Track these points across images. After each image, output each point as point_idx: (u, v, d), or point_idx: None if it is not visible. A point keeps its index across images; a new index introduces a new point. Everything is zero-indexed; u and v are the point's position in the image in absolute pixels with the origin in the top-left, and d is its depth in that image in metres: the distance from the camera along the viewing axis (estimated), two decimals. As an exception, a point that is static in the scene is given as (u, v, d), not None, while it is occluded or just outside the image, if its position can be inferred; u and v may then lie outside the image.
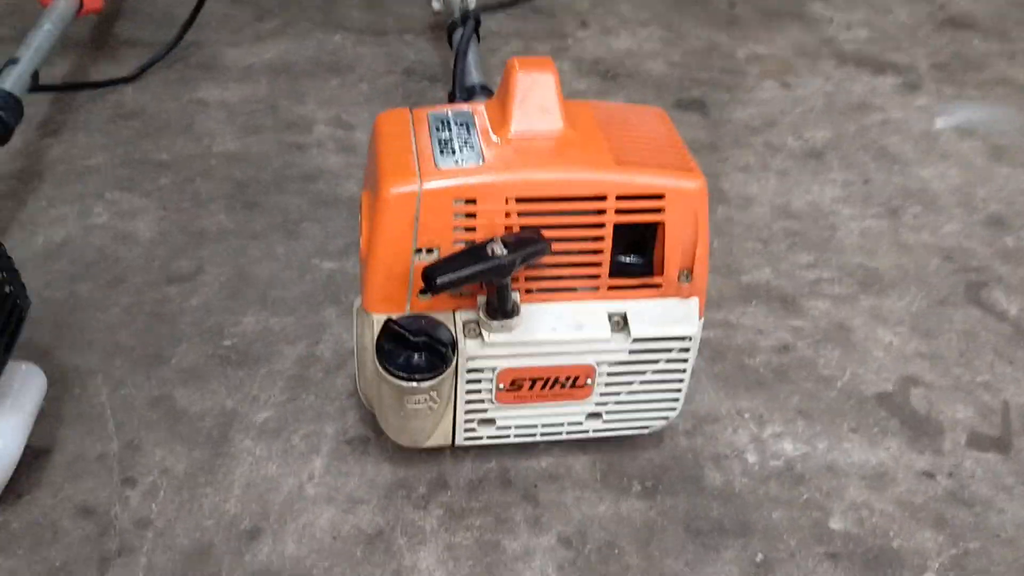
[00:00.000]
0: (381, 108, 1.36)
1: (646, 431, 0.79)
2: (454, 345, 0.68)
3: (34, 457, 0.79)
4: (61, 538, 0.73)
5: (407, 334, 0.67)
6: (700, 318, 0.75)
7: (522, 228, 0.69)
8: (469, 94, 1.08)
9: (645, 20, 1.66)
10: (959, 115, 1.40)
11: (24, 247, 1.02)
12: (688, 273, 0.73)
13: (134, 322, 0.93)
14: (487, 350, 0.70)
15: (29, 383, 0.74)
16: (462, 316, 0.71)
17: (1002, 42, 1.59)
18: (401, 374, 0.67)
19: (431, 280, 0.64)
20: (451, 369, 0.68)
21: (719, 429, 0.86)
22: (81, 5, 1.26)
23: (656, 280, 0.73)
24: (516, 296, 0.71)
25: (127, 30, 1.52)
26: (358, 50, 1.50)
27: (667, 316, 0.72)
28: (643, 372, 0.74)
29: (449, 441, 0.75)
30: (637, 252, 0.73)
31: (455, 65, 1.14)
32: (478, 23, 1.26)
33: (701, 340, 0.94)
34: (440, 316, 0.70)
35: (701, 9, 1.72)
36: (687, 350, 0.73)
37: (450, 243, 0.69)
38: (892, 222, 1.15)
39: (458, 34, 1.23)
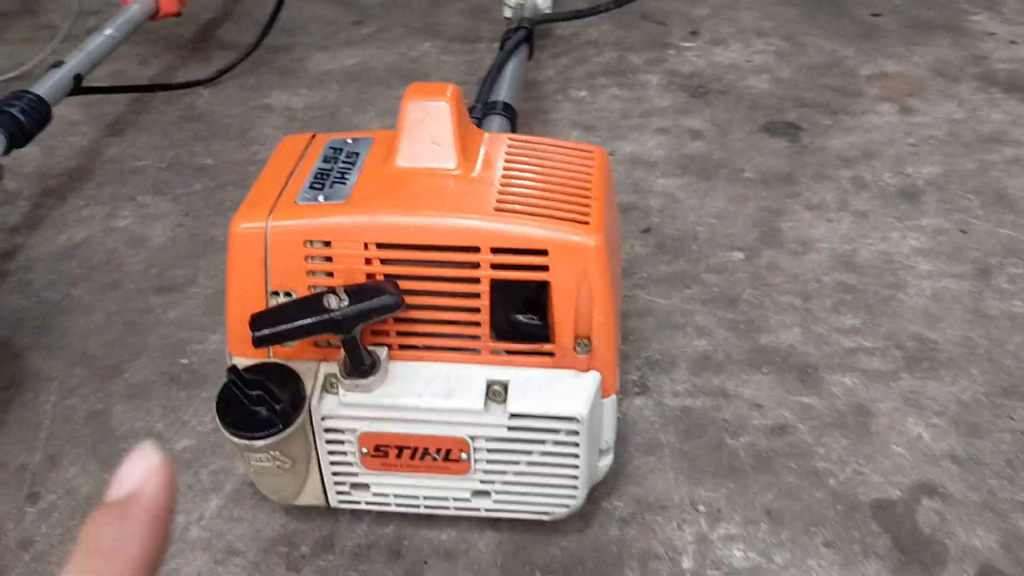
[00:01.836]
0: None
1: (546, 518, 0.68)
2: (297, 403, 0.61)
3: (-39, 460, 0.80)
4: (-50, 548, 0.73)
5: (246, 386, 0.61)
6: (607, 395, 0.64)
7: (386, 277, 0.61)
8: (488, 110, 1.00)
9: (765, 30, 1.50)
10: (1119, 155, 1.15)
11: (45, 245, 1.05)
12: (586, 343, 0.62)
13: (109, 331, 0.94)
14: (343, 410, 0.63)
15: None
16: (326, 368, 0.64)
17: None
18: (232, 430, 0.61)
19: (253, 332, 0.58)
20: (290, 431, 0.61)
21: (662, 521, 0.73)
22: (157, 9, 1.29)
23: (548, 348, 0.63)
24: (383, 351, 0.63)
25: (230, 33, 1.56)
26: (441, 58, 1.45)
27: (554, 391, 0.62)
28: (528, 453, 0.63)
29: (322, 501, 0.69)
30: (536, 311, 0.63)
31: (486, 76, 1.07)
32: (530, 34, 1.17)
33: (679, 409, 0.82)
34: (303, 366, 0.64)
35: (836, 19, 1.53)
36: (576, 433, 0.62)
37: (305, 287, 0.62)
38: (978, 284, 0.95)
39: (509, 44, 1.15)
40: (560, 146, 0.68)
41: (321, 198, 0.62)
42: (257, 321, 0.58)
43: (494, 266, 0.60)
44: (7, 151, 0.99)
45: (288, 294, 0.62)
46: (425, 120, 0.63)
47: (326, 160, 0.66)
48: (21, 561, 0.72)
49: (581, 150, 0.68)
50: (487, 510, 0.68)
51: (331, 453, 0.65)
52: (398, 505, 0.68)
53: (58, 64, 1.11)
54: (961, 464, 0.76)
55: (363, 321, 0.59)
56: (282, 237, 0.61)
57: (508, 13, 1.32)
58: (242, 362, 0.64)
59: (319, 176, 0.64)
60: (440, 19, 1.58)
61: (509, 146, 0.67)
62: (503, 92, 1.04)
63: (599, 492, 0.74)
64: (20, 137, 1.00)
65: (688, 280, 0.97)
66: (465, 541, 0.72)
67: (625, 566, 0.70)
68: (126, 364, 0.90)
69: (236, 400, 0.62)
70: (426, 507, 0.68)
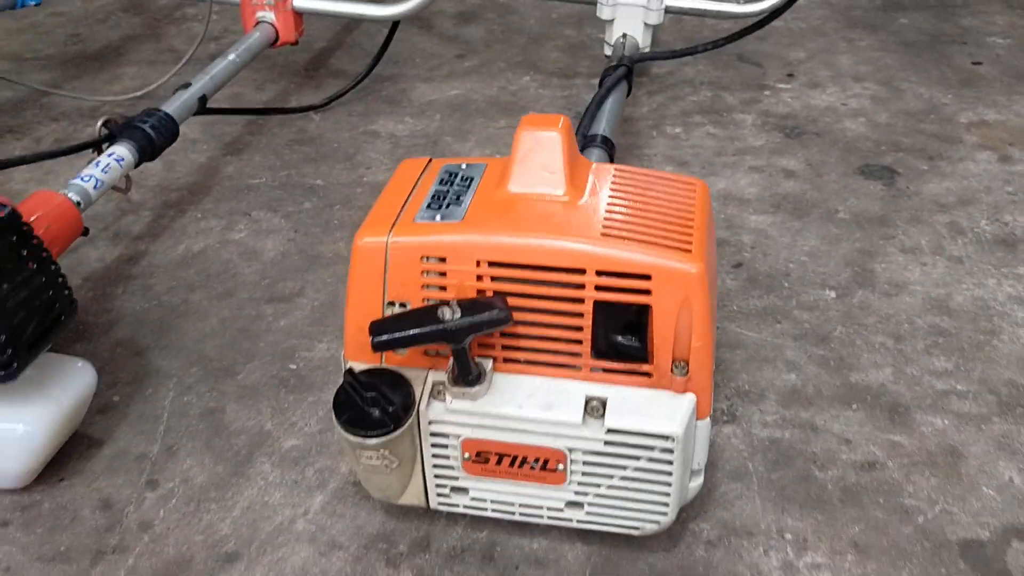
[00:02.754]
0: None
1: (636, 532, 0.71)
2: (407, 406, 0.66)
3: (88, 446, 0.86)
4: (75, 526, 0.79)
5: (362, 388, 0.65)
6: (702, 417, 0.66)
7: (495, 293, 0.65)
8: (588, 143, 1.04)
9: (862, 75, 1.51)
10: None
11: (165, 253, 1.13)
12: (683, 365, 0.65)
13: (224, 335, 1.00)
14: (449, 416, 0.67)
15: (74, 379, 0.81)
16: (434, 376, 0.68)
17: None
18: (347, 427, 0.65)
19: (372, 337, 0.62)
20: (400, 431, 0.65)
21: (749, 546, 0.75)
22: (276, 37, 1.37)
23: (646, 368, 0.65)
24: (489, 363, 0.67)
25: (341, 62, 1.64)
26: (540, 92, 1.50)
27: (651, 409, 0.65)
28: (623, 468, 0.66)
29: (423, 502, 0.72)
30: (635, 332, 0.66)
31: (587, 110, 1.11)
32: (629, 72, 1.21)
33: (767, 439, 0.84)
34: (413, 373, 0.68)
35: (936, 66, 1.53)
36: (670, 451, 0.64)
37: (420, 300, 0.66)
38: (1076, 334, 0.95)
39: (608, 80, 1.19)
40: (663, 178, 0.71)
41: (438, 217, 0.66)
42: (377, 327, 0.63)
43: (598, 288, 0.63)
44: (138, 164, 1.07)
45: (403, 305, 0.67)
46: (537, 149, 0.67)
47: (442, 183, 0.70)
48: (141, 541, 0.77)
49: (683, 182, 0.71)
50: (579, 521, 0.71)
51: (435, 456, 0.69)
52: (494, 511, 0.72)
53: (185, 86, 1.19)
54: (1053, 510, 0.76)
55: (474, 333, 0.62)
56: (401, 252, 0.65)
57: (608, 51, 1.36)
58: (357, 367, 0.69)
59: (436, 197, 0.68)
60: (539, 55, 1.63)
61: (615, 176, 0.70)
62: (602, 126, 1.07)
63: (687, 514, 0.76)
64: (150, 151, 1.07)
65: (779, 315, 0.99)
66: (556, 551, 0.75)
67: (710, 587, 0.72)
68: (239, 366, 0.95)
69: (351, 401, 0.66)
70: (521, 515, 0.71)
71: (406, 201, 0.69)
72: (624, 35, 1.29)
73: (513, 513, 0.71)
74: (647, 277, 0.63)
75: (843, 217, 1.15)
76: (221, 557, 0.76)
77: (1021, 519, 0.76)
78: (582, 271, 0.63)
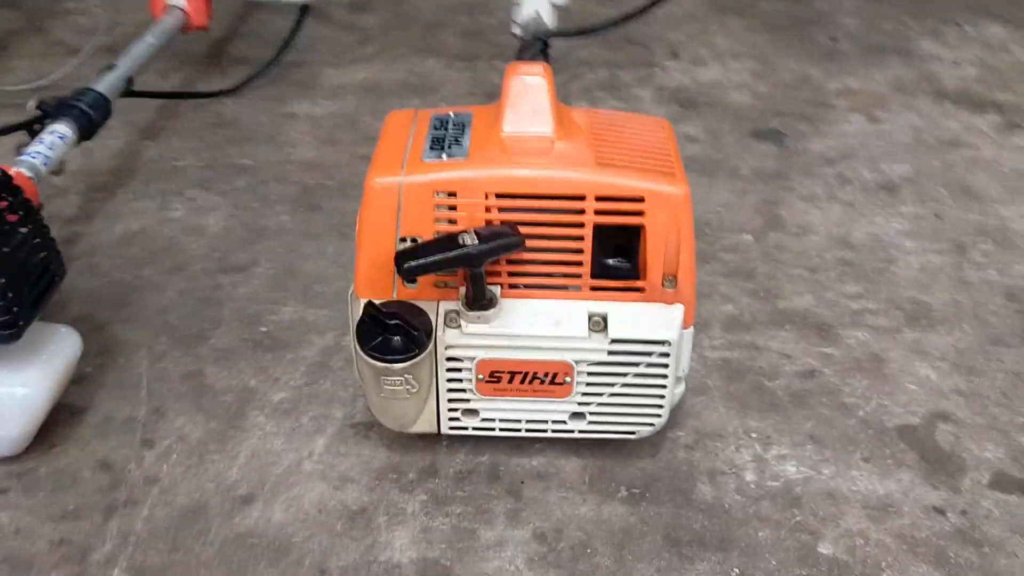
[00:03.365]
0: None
1: (632, 436, 0.78)
2: (429, 331, 0.71)
3: (71, 414, 0.86)
4: (79, 486, 0.79)
5: (384, 317, 0.70)
6: (687, 327, 0.75)
7: (502, 223, 0.71)
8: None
9: (738, 52, 1.65)
10: (1059, 155, 1.32)
11: (104, 233, 1.12)
12: (672, 279, 0.73)
13: (184, 305, 1.01)
14: (465, 340, 0.72)
15: (62, 344, 0.81)
16: (445, 306, 0.73)
17: (1121, 82, 1.49)
18: (375, 355, 0.70)
19: (400, 264, 0.67)
20: (425, 354, 0.70)
21: (721, 446, 0.84)
22: (187, 22, 1.37)
23: (639, 284, 0.73)
24: (496, 290, 0.73)
25: (241, 49, 1.64)
26: (446, 73, 1.56)
27: (647, 320, 0.72)
28: (624, 375, 0.74)
29: (435, 428, 0.78)
30: (624, 255, 0.74)
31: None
32: (546, 47, 1.29)
33: (719, 360, 0.93)
34: (424, 305, 0.73)
35: (800, 44, 1.69)
36: (666, 355, 0.73)
37: (432, 234, 0.72)
38: (957, 258, 1.10)
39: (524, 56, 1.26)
40: (634, 117, 0.80)
41: (444, 157, 0.72)
42: (403, 256, 0.68)
43: (598, 212, 0.71)
44: (77, 143, 1.06)
45: (415, 240, 0.72)
46: (526, 93, 0.74)
47: (437, 128, 0.76)
48: (151, 494, 0.79)
49: (652, 120, 0.80)
50: (580, 432, 0.78)
51: (449, 381, 0.74)
52: (502, 429, 0.78)
53: (110, 67, 1.18)
54: (966, 397, 0.89)
55: (492, 256, 0.69)
56: (415, 189, 0.70)
57: (517, 31, 1.43)
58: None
59: (436, 140, 0.74)
60: (439, 41, 1.69)
61: (592, 117, 0.78)
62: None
63: (663, 426, 0.84)
64: (88, 130, 1.07)
65: (707, 258, 1.10)
66: (554, 465, 0.81)
67: (697, 481, 0.80)
68: (208, 332, 0.97)
69: (372, 332, 0.71)
70: (527, 430, 0.78)
71: (407, 146, 0.74)
72: (536, 12, 1.37)
73: (519, 430, 0.78)
74: (640, 200, 0.70)
75: (745, 173, 1.28)
76: (236, 500, 0.78)
77: (942, 406, 0.88)
78: (582, 198, 0.70)
